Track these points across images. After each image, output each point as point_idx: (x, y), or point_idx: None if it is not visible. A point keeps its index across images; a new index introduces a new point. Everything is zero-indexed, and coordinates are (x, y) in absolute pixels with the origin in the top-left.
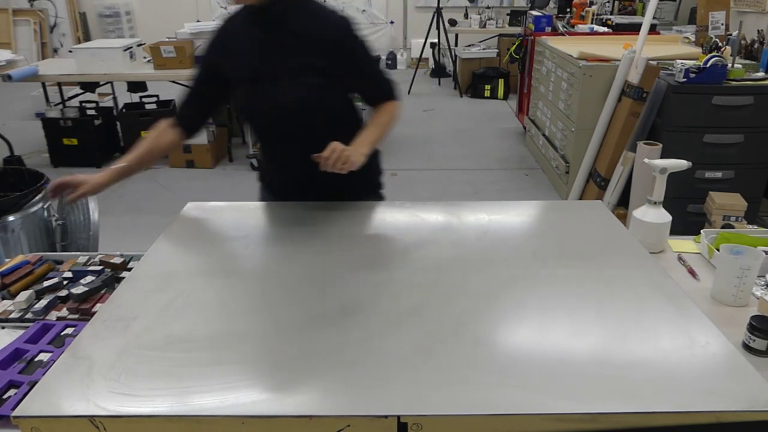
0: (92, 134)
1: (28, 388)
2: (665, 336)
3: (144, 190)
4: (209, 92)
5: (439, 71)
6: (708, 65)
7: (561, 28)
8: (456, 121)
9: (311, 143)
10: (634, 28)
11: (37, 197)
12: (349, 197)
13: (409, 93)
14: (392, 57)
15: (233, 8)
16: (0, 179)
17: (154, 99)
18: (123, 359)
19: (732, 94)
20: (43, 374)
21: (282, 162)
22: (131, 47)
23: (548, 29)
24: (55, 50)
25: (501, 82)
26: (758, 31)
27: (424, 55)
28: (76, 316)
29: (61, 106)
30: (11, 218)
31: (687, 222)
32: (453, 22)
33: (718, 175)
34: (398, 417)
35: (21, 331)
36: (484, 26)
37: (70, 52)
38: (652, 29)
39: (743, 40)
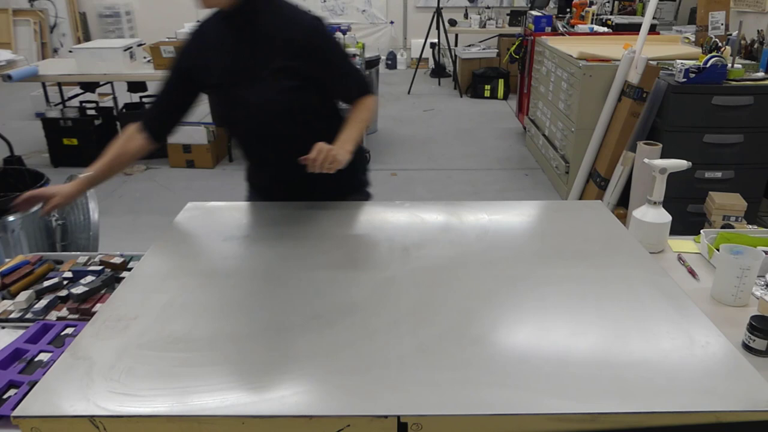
0: (92, 134)
1: (28, 388)
2: (665, 336)
3: (144, 190)
4: (179, 98)
5: (439, 71)
6: (708, 65)
7: (561, 28)
8: (456, 121)
9: (290, 144)
10: (634, 28)
11: None
12: (336, 195)
13: (409, 93)
14: (392, 57)
15: (206, 13)
16: (0, 179)
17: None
18: (123, 359)
19: (732, 94)
20: (43, 374)
21: (263, 163)
22: (131, 47)
23: (548, 29)
24: (55, 50)
25: (501, 82)
26: (758, 31)
27: (424, 55)
28: (76, 316)
29: (61, 106)
30: (11, 218)
31: (687, 222)
32: (453, 22)
33: (718, 175)
34: (398, 417)
35: (21, 331)
36: (484, 26)
37: (70, 52)
38: (652, 29)
39: (743, 40)
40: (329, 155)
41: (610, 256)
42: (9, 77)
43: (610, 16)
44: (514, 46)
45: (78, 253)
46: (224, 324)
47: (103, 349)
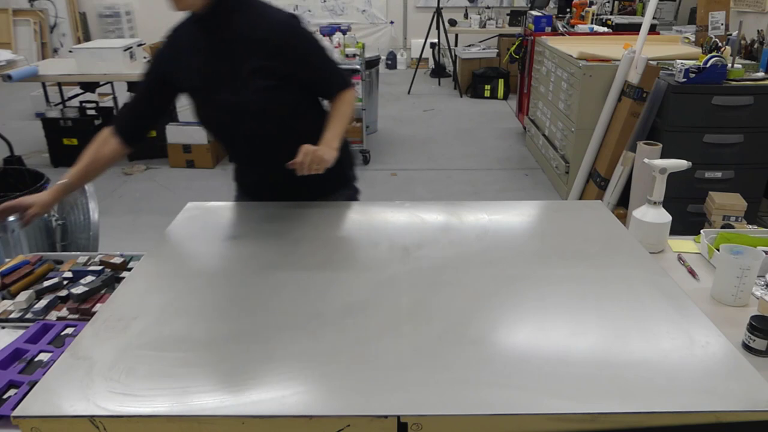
0: (92, 134)
1: (28, 388)
2: (665, 336)
3: (144, 190)
4: (152, 103)
5: (439, 71)
6: (708, 65)
7: (561, 28)
8: (456, 121)
9: (274, 143)
10: (634, 28)
11: None
12: (324, 192)
13: (409, 93)
14: (392, 57)
15: (181, 17)
16: (0, 179)
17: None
18: (123, 359)
19: (732, 94)
20: (43, 374)
21: (248, 163)
22: (131, 47)
23: (548, 29)
24: (55, 50)
25: (501, 82)
26: (758, 31)
27: (424, 55)
28: (76, 316)
29: (61, 106)
30: (11, 218)
31: (687, 222)
32: (453, 22)
33: (718, 175)
34: (398, 417)
35: (21, 331)
36: (484, 26)
37: (70, 52)
38: (652, 29)
39: (743, 40)
40: (315, 156)
41: (610, 256)
42: (9, 77)
43: (610, 16)
44: (514, 46)
45: (78, 253)
46: (224, 324)
47: (103, 349)
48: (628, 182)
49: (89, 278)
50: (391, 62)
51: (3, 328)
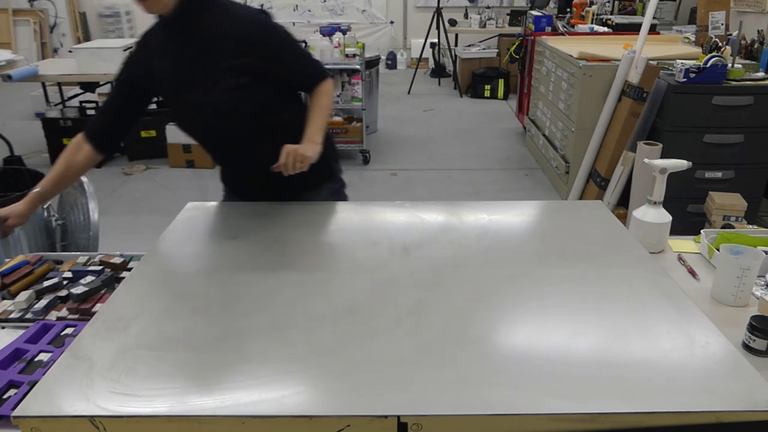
0: None
1: (28, 388)
2: (665, 336)
3: (144, 190)
4: (125, 109)
5: (439, 71)
6: (708, 65)
7: (561, 28)
8: (456, 121)
9: (254, 141)
10: (634, 28)
11: None
12: (309, 186)
13: (409, 93)
14: (392, 57)
15: (152, 23)
16: (0, 179)
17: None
18: (123, 359)
19: (732, 94)
20: (43, 374)
21: (232, 163)
22: (131, 47)
23: (548, 29)
24: (55, 50)
25: (501, 82)
26: (758, 31)
27: (424, 55)
28: (76, 316)
29: (61, 106)
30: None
31: (687, 222)
32: (453, 22)
33: (718, 175)
34: (398, 417)
35: (21, 331)
36: (484, 26)
37: (70, 52)
38: (652, 29)
39: (743, 40)
40: (298, 155)
41: (610, 256)
42: (9, 77)
43: (610, 16)
44: (514, 46)
45: (78, 253)
46: (224, 324)
47: (103, 349)
48: (628, 182)
49: (89, 278)
50: (391, 62)
51: (3, 328)
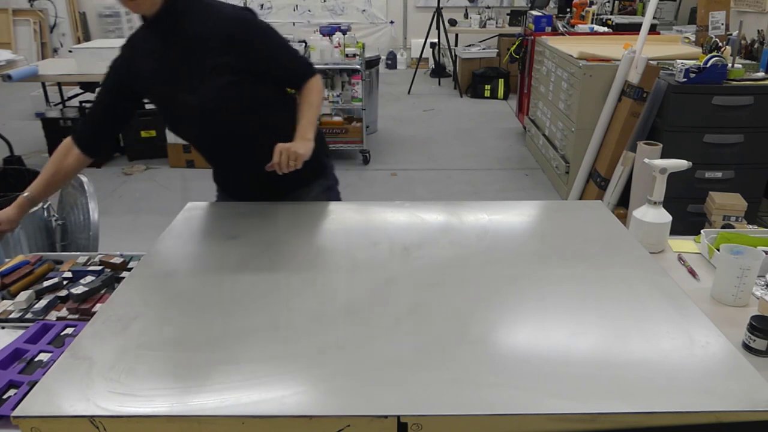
0: None
1: (28, 388)
2: (665, 336)
3: (144, 190)
4: (112, 112)
5: (439, 71)
6: (708, 65)
7: (561, 28)
8: (456, 121)
9: (244, 139)
10: (634, 28)
11: None
12: (302, 183)
13: (409, 93)
14: (392, 57)
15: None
16: (0, 179)
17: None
18: (123, 359)
19: (732, 94)
20: (43, 374)
21: (223, 163)
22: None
23: (548, 29)
24: (55, 50)
25: (501, 82)
26: (758, 31)
27: (424, 55)
28: (76, 316)
29: (61, 106)
30: None
31: (687, 222)
32: (453, 22)
33: (718, 175)
34: (398, 417)
35: (21, 331)
36: (484, 26)
37: (70, 52)
38: (652, 29)
39: (743, 40)
40: (291, 153)
41: (610, 256)
42: (9, 77)
43: (610, 16)
44: (514, 46)
45: (78, 253)
46: (224, 324)
47: (103, 349)
48: (628, 182)
49: (89, 278)
50: (391, 62)
51: (3, 328)
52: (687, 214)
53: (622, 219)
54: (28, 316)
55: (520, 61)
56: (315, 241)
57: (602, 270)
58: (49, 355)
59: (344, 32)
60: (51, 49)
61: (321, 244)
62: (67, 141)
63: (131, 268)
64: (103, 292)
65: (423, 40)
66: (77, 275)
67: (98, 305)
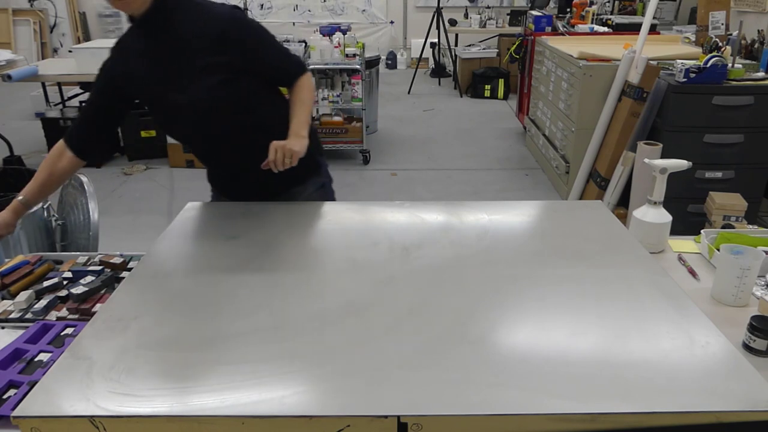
0: None
1: (28, 388)
2: (665, 336)
3: (144, 190)
4: (104, 114)
5: (439, 71)
6: (708, 65)
7: (561, 28)
8: (456, 121)
9: (236, 138)
10: (634, 28)
11: None
12: (295, 181)
13: (409, 93)
14: (392, 57)
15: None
16: (0, 179)
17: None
18: (123, 359)
19: (732, 94)
20: (43, 374)
21: (216, 163)
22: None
23: (548, 29)
24: (55, 50)
25: (501, 82)
26: (758, 31)
27: (424, 55)
28: (76, 316)
29: (61, 106)
30: None
31: (687, 222)
32: (453, 22)
33: (718, 175)
34: (398, 417)
35: (21, 331)
36: (484, 26)
37: (70, 52)
38: (652, 29)
39: (743, 40)
40: (286, 150)
41: (610, 256)
42: (9, 77)
43: (610, 16)
44: (514, 46)
45: (78, 253)
46: (224, 324)
47: (103, 349)
48: (628, 182)
49: (89, 278)
50: (391, 62)
51: (3, 328)
52: (687, 214)
53: (622, 219)
54: (28, 316)
55: (520, 61)
56: (315, 241)
57: (602, 270)
58: (49, 355)
59: (344, 32)
60: (51, 49)
61: (321, 244)
62: (60, 144)
63: (131, 268)
64: (103, 292)
65: (423, 40)
66: (77, 275)
67: (98, 305)
